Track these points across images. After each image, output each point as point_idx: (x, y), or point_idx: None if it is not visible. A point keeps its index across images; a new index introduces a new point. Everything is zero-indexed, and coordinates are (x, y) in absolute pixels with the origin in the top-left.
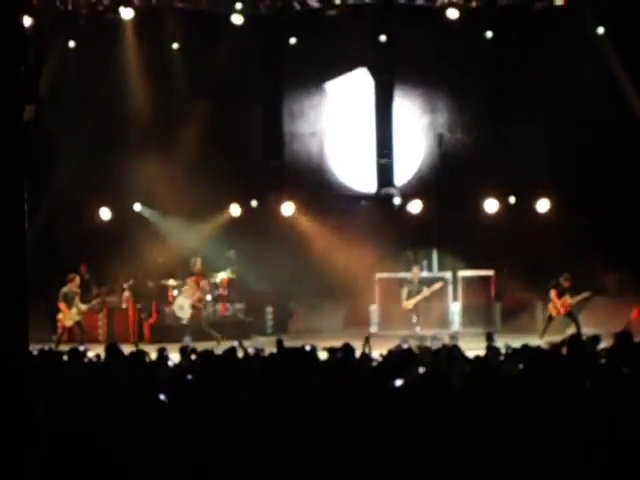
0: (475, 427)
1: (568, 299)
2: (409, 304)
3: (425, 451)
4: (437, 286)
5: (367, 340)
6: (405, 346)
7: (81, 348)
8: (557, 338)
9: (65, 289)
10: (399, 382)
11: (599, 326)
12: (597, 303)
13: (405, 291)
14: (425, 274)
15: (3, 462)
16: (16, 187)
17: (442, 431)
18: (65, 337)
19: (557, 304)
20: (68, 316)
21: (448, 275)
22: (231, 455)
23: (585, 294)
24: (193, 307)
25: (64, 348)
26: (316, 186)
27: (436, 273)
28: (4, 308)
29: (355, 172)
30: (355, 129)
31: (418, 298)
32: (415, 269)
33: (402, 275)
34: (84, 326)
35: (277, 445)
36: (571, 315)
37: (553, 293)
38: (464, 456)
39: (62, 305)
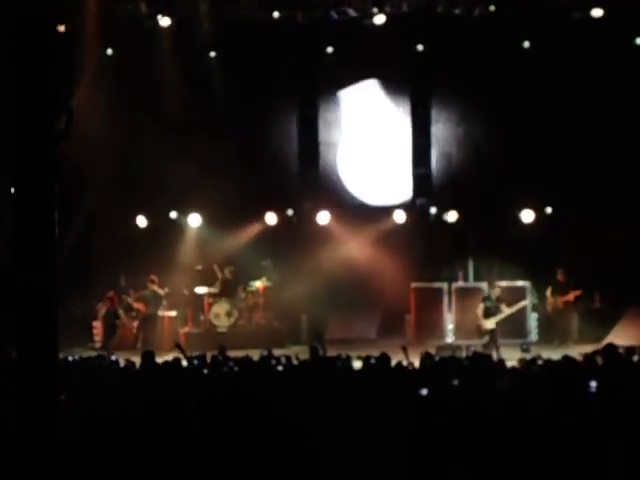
0: (507, 438)
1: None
2: (489, 324)
3: (458, 461)
4: (522, 304)
5: (405, 350)
6: (437, 358)
7: (113, 358)
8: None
9: (161, 291)
10: (424, 391)
11: (636, 337)
12: (633, 315)
13: (482, 307)
14: (461, 284)
15: (31, 464)
16: (46, 195)
17: (475, 442)
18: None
19: (551, 301)
20: None
21: (484, 286)
22: (263, 462)
23: (576, 292)
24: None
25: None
26: (351, 195)
27: (472, 283)
28: (34, 314)
29: (390, 181)
30: (389, 138)
31: (499, 317)
32: (496, 284)
33: (438, 285)
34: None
35: (308, 453)
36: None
37: (548, 291)
38: (498, 468)
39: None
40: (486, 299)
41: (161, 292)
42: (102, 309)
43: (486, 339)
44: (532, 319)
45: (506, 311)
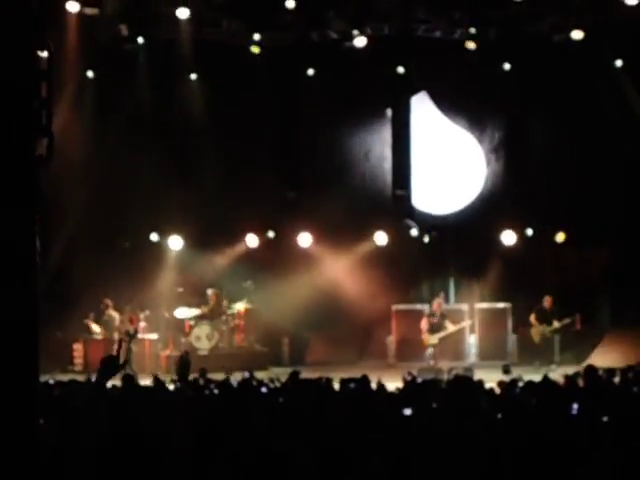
0: (491, 460)
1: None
2: (433, 339)
3: None
4: (464, 324)
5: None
6: (419, 379)
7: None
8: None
9: (116, 314)
10: (408, 411)
11: (617, 360)
12: (613, 338)
13: (427, 324)
14: (444, 306)
15: None
16: (27, 221)
17: (457, 464)
18: None
19: (539, 329)
20: None
21: (464, 307)
22: None
23: (568, 319)
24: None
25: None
26: (333, 217)
27: (453, 305)
28: (14, 337)
29: (376, 203)
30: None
31: (442, 334)
32: (437, 301)
33: (419, 307)
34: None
35: (289, 477)
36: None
37: (532, 317)
38: None
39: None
40: (431, 315)
41: (116, 315)
42: (121, 328)
43: (429, 355)
44: (511, 341)
45: (450, 328)
